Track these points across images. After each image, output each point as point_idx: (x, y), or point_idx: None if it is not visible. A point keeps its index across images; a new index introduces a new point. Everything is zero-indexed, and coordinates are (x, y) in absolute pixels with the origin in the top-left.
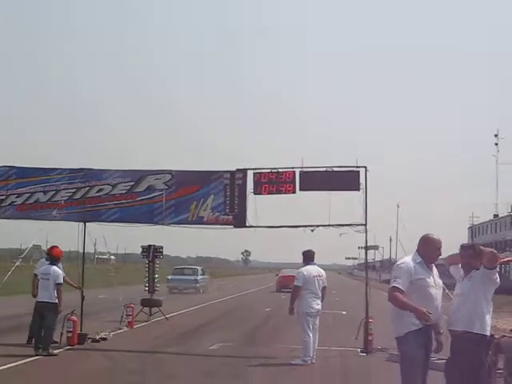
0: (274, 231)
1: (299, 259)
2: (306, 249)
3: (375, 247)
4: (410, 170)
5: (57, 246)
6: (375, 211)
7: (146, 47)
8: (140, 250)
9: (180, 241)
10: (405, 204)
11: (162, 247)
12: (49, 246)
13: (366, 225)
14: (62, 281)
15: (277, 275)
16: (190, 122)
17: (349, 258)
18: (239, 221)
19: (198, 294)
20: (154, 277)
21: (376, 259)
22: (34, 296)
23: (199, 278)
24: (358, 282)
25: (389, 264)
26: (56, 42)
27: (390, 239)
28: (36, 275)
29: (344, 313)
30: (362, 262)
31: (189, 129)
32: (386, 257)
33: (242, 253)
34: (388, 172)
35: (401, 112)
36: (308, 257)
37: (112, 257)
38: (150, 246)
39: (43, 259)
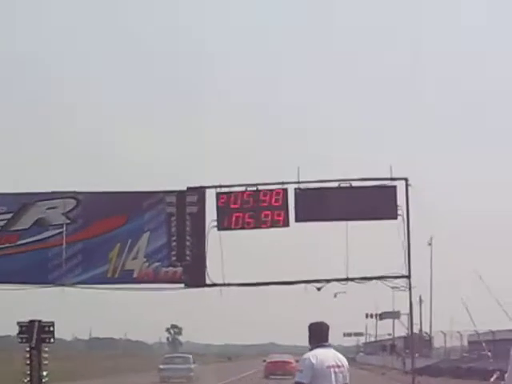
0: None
1: (263, 339)
2: (313, 321)
3: (395, 314)
4: (462, 187)
5: None
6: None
7: None
8: (14, 329)
9: (63, 311)
10: (463, 240)
11: (52, 324)
12: None
13: (409, 277)
14: None
15: (264, 361)
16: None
17: (349, 335)
18: (194, 276)
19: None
20: (41, 374)
21: (396, 334)
22: None
23: (192, 366)
24: (368, 373)
25: (423, 342)
26: None
27: (420, 300)
28: None
29: None
30: (372, 339)
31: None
32: (414, 330)
33: (168, 329)
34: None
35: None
36: (319, 334)
37: None
38: (32, 321)
39: None
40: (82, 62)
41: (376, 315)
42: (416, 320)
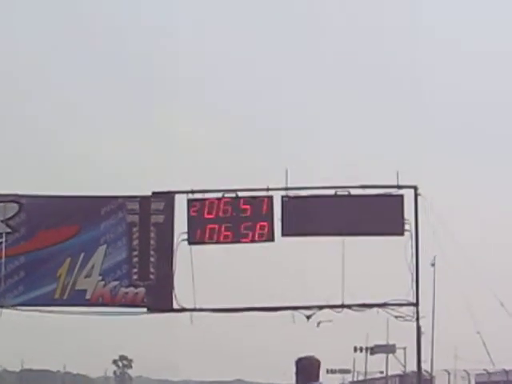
0: (218, 319)
1: (229, 374)
2: (301, 355)
3: (389, 348)
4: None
5: None
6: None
7: None
8: None
9: None
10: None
11: None
12: None
13: (417, 304)
14: None
15: None
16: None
17: (333, 372)
18: (159, 299)
19: None
20: None
21: (390, 372)
22: None
23: None
24: None
25: (423, 382)
26: None
27: (420, 331)
28: None
29: None
30: (361, 378)
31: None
32: (411, 367)
33: (116, 361)
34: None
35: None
36: (308, 372)
37: None
38: None
39: None
40: (42, 61)
41: (366, 349)
42: (414, 355)
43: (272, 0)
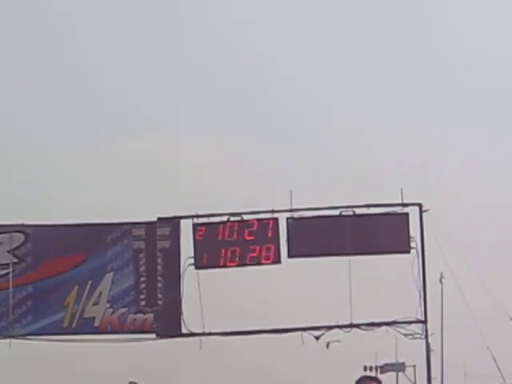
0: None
1: None
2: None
3: (399, 367)
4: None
5: None
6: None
7: None
8: None
9: None
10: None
11: None
12: None
13: (426, 322)
14: None
15: None
16: None
17: None
18: (168, 324)
19: None
20: None
21: None
22: None
23: None
24: None
25: None
26: None
27: (428, 348)
28: None
29: None
30: None
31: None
32: None
33: None
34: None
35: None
36: None
37: None
38: None
39: None
40: None
41: (376, 368)
42: (424, 373)
43: None
